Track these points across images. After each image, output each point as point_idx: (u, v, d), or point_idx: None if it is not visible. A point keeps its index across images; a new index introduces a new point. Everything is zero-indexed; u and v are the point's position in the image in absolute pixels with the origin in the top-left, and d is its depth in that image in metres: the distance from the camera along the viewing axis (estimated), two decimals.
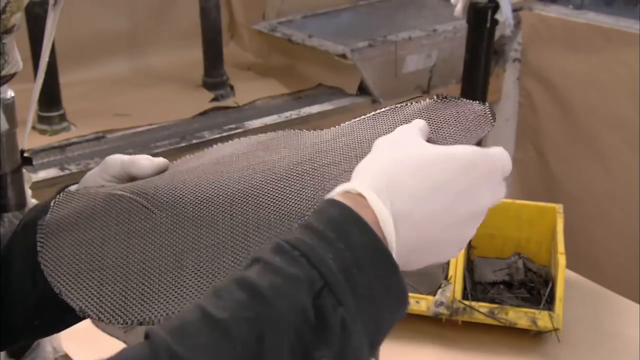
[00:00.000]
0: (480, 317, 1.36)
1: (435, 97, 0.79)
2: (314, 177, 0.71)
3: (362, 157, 0.66)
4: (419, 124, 0.71)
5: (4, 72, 1.05)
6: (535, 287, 1.48)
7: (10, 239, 0.77)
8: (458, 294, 1.37)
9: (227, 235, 0.66)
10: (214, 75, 2.57)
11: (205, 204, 0.70)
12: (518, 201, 1.56)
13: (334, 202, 0.60)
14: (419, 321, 1.38)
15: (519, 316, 1.35)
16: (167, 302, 0.62)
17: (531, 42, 2.82)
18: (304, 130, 0.82)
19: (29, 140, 1.23)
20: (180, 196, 0.72)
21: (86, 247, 0.69)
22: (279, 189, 0.70)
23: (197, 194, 0.72)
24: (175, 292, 0.63)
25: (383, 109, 0.80)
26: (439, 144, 0.70)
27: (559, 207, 1.52)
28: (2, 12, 0.99)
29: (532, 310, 1.36)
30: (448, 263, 1.40)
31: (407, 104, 0.80)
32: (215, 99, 2.53)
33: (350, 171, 0.66)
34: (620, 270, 2.56)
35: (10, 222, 1.16)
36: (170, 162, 0.81)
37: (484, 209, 0.65)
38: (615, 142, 2.62)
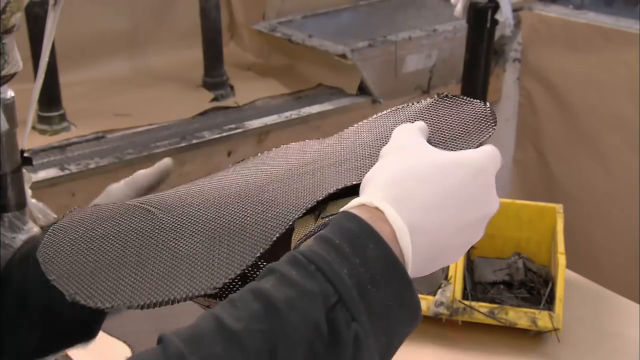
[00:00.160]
0: (480, 317, 1.36)
1: (436, 96, 0.79)
2: (314, 177, 0.71)
3: (367, 158, 0.66)
4: (419, 125, 0.71)
5: (4, 72, 1.05)
6: (535, 287, 1.48)
7: (7, 264, 0.77)
8: (458, 294, 1.37)
9: (224, 229, 0.67)
10: (214, 75, 2.57)
11: (205, 204, 0.71)
12: (518, 201, 1.56)
13: (350, 216, 0.60)
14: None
15: (519, 316, 1.35)
16: (159, 288, 0.62)
17: (531, 42, 2.82)
18: (307, 141, 0.83)
19: (29, 140, 1.24)
20: (182, 199, 0.74)
21: (84, 243, 0.70)
22: (279, 188, 0.71)
23: (199, 196, 0.73)
24: (168, 278, 0.63)
25: (384, 112, 0.80)
26: (440, 145, 0.70)
27: (559, 207, 1.52)
28: (2, 12, 0.99)
29: (532, 310, 1.36)
30: None
31: (408, 105, 0.80)
32: (215, 99, 2.53)
33: (355, 169, 0.66)
34: (620, 270, 2.56)
35: (11, 222, 1.16)
36: (172, 161, 0.83)
37: (493, 210, 0.66)
38: (615, 142, 2.61)
